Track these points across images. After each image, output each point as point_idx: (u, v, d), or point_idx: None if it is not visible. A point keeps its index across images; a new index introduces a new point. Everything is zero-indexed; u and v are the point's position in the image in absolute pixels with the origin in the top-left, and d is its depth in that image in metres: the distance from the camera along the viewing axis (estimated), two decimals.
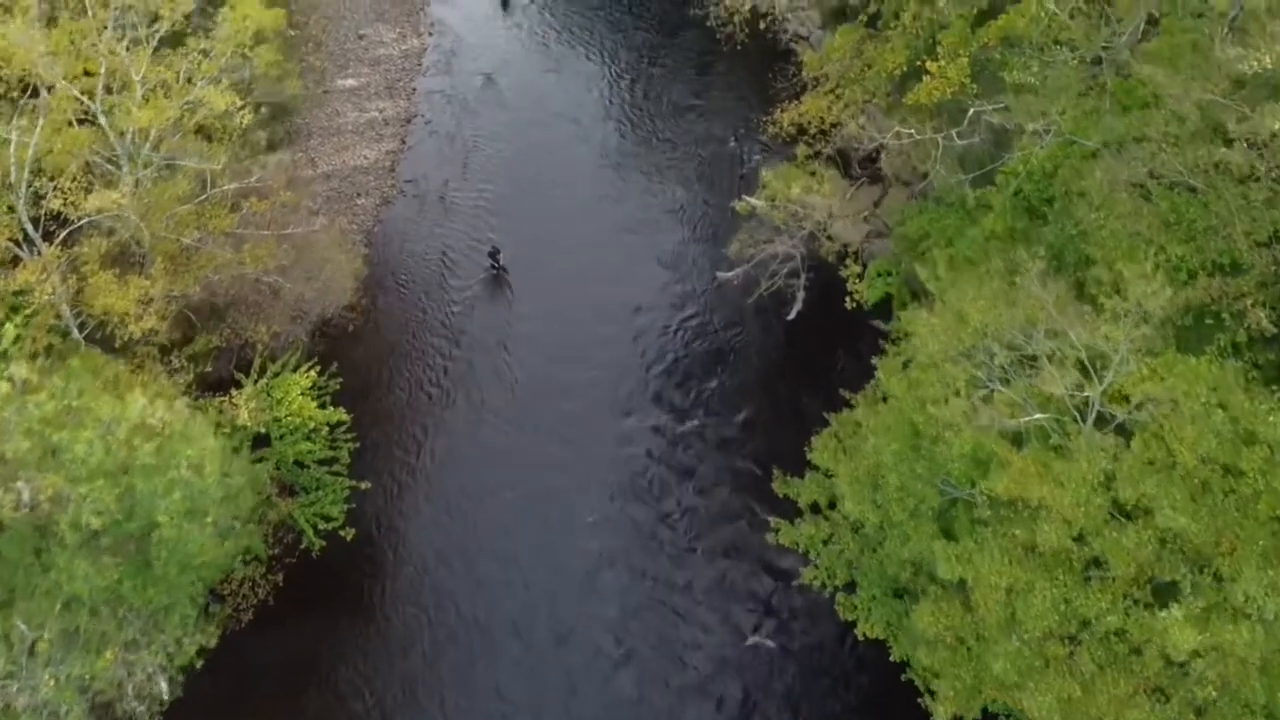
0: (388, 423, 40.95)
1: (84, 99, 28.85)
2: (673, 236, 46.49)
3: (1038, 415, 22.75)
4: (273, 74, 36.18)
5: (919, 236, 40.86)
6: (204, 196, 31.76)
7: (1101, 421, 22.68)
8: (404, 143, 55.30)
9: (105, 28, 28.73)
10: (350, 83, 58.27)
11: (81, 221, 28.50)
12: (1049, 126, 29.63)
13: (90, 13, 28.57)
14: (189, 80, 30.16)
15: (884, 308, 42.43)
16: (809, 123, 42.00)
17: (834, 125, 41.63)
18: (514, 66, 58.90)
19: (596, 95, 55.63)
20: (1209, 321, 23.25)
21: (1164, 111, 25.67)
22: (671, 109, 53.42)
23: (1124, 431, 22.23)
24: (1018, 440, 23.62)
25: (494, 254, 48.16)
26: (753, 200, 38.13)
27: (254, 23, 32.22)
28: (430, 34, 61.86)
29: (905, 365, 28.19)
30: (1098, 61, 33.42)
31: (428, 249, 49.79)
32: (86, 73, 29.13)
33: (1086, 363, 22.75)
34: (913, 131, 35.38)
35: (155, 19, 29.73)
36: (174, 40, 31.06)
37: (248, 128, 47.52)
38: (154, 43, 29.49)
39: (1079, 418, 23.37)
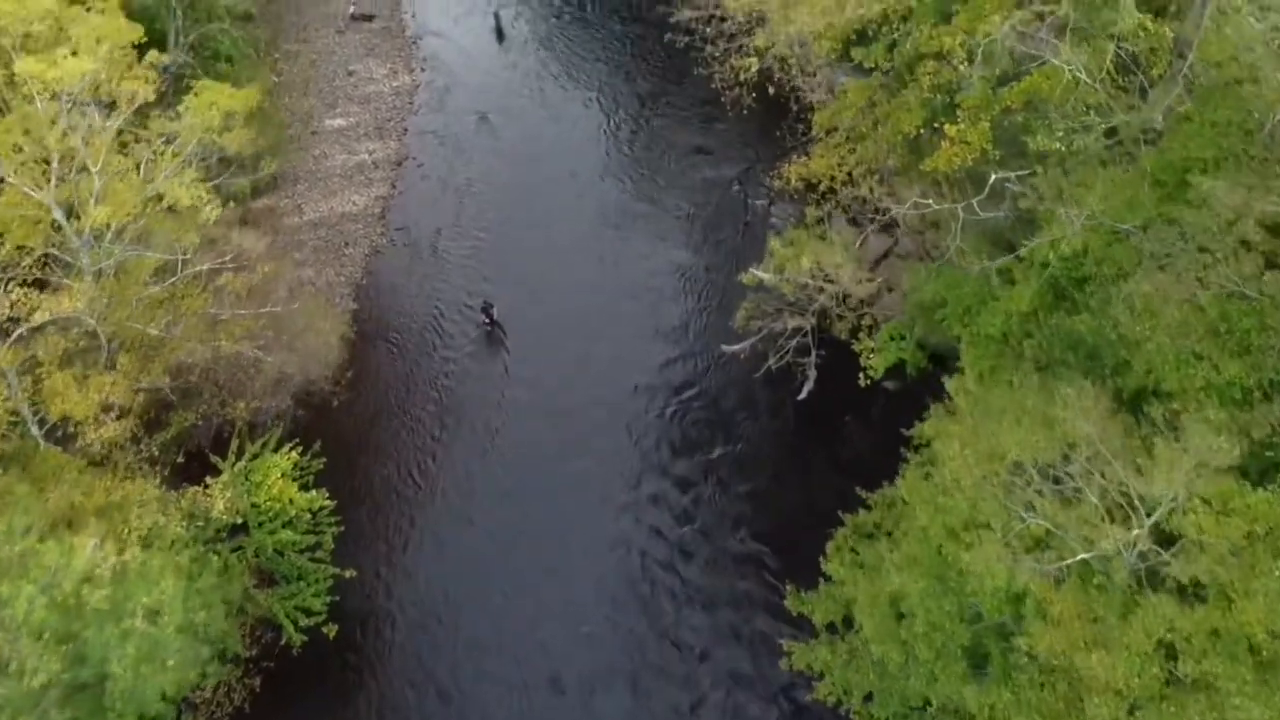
0: (373, 502, 38.74)
1: (36, 193, 26.70)
2: (674, 298, 44.23)
3: (1080, 555, 20.66)
4: (247, 152, 33.89)
5: (935, 303, 38.68)
6: (175, 279, 29.61)
7: (1152, 572, 20.62)
8: (394, 187, 53.10)
9: (55, 120, 26.58)
10: (339, 122, 56.09)
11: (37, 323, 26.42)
12: (1081, 214, 27.49)
13: (39, 103, 26.39)
14: (151, 171, 28.02)
15: (896, 369, 40.45)
16: (818, 180, 39.84)
17: (844, 184, 39.47)
18: (510, 106, 56.64)
19: (595, 139, 53.40)
20: (1269, 454, 21.16)
21: (1213, 216, 23.56)
22: (673, 156, 51.17)
23: (1180, 589, 20.14)
24: (1057, 576, 21.57)
25: (487, 310, 46.01)
26: (760, 273, 35.97)
27: (222, 108, 30.02)
28: (423, 70, 59.66)
29: (928, 476, 26.04)
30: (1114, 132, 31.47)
31: (418, 303, 47.60)
32: (44, 161, 26.95)
33: (1134, 496, 20.69)
34: (930, 202, 33.22)
35: (112, 107, 27.59)
36: (139, 121, 28.91)
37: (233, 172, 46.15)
38: (112, 131, 27.30)
39: (1124, 551, 21.31)
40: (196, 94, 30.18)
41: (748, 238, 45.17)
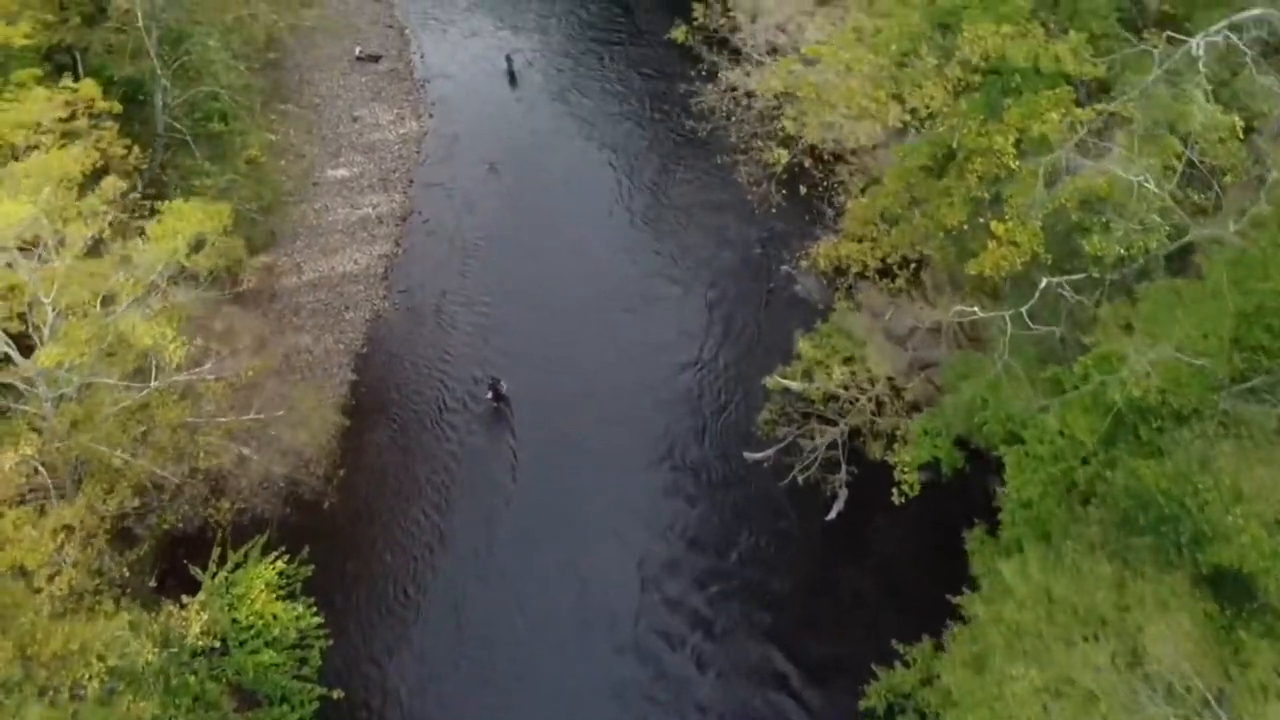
0: (366, 612, 35.87)
1: None
2: (693, 389, 41.14)
3: None
4: (222, 264, 31.14)
5: (974, 404, 35.92)
6: (146, 389, 26.89)
7: None
8: (398, 245, 50.47)
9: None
10: (342, 173, 53.50)
11: None
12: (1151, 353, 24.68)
13: None
14: (110, 303, 25.38)
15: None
16: (847, 264, 37.03)
17: (880, 272, 36.70)
18: (521, 158, 53.93)
19: (610, 202, 50.59)
20: None
21: None
22: (693, 226, 48.12)
23: None
24: None
25: (494, 385, 43.35)
26: (786, 381, 33.22)
27: (189, 232, 27.34)
28: (430, 115, 57.04)
29: (978, 669, 23.25)
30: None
31: (420, 376, 44.92)
32: None
33: None
34: (975, 309, 30.40)
35: (63, 241, 24.92)
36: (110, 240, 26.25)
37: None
38: (65, 260, 24.62)
39: None
40: (161, 219, 27.49)
41: (772, 323, 42.31)
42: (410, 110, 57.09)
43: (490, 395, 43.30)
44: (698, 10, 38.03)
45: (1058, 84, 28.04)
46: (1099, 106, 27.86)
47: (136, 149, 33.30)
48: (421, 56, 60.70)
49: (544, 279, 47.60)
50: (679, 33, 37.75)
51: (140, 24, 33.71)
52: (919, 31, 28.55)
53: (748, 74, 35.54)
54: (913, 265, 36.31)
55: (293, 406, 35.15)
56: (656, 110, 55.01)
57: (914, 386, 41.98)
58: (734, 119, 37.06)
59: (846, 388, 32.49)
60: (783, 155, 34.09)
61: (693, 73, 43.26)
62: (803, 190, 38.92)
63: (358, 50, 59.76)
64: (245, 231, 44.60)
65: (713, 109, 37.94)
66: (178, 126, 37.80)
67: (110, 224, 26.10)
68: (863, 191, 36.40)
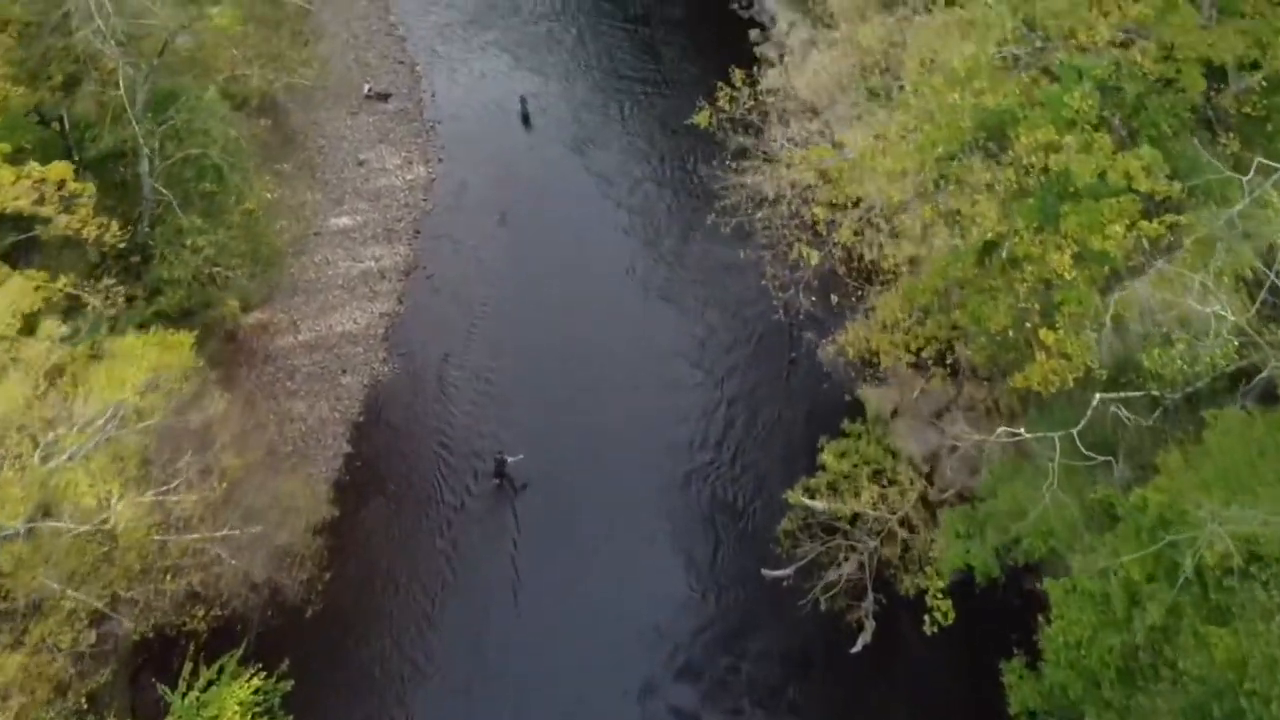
0: None
1: None
2: (710, 484, 38.29)
3: None
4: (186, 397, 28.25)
5: (1011, 513, 33.12)
6: (99, 524, 24.25)
7: None
8: (401, 302, 47.87)
9: None
10: (345, 221, 50.95)
11: None
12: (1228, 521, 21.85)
13: None
14: (46, 460, 22.86)
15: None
16: (876, 356, 34.27)
17: (912, 364, 33.96)
18: (533, 209, 51.24)
19: (627, 263, 47.63)
20: None
21: None
22: (716, 293, 45.07)
23: None
24: None
25: (499, 463, 40.76)
26: (809, 500, 30.53)
27: (139, 379, 24.63)
28: (439, 160, 54.39)
29: None
30: None
31: (419, 449, 42.35)
32: None
33: None
34: (1022, 431, 27.60)
35: None
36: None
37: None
38: None
39: None
40: (110, 360, 24.86)
41: (795, 410, 39.61)
42: (419, 154, 54.48)
43: (494, 472, 40.77)
44: (723, 93, 35.06)
45: (1122, 192, 25.22)
46: (1169, 219, 25.02)
47: (115, 225, 30.92)
48: (432, 95, 58.03)
49: (553, 347, 44.93)
50: (701, 117, 34.89)
51: (122, 88, 31.22)
52: (967, 137, 25.76)
53: (784, 166, 32.59)
54: (949, 362, 33.54)
55: (278, 501, 32.64)
56: (680, 171, 51.73)
57: (946, 476, 39.46)
58: (761, 210, 34.06)
59: (875, 507, 29.74)
60: (813, 255, 31.25)
61: (722, 135, 40.28)
62: (834, 299, 35.74)
63: (367, 88, 57.22)
64: (239, 289, 42.77)
65: (736, 205, 34.97)
66: (164, 191, 35.29)
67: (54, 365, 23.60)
68: (895, 280, 33.55)
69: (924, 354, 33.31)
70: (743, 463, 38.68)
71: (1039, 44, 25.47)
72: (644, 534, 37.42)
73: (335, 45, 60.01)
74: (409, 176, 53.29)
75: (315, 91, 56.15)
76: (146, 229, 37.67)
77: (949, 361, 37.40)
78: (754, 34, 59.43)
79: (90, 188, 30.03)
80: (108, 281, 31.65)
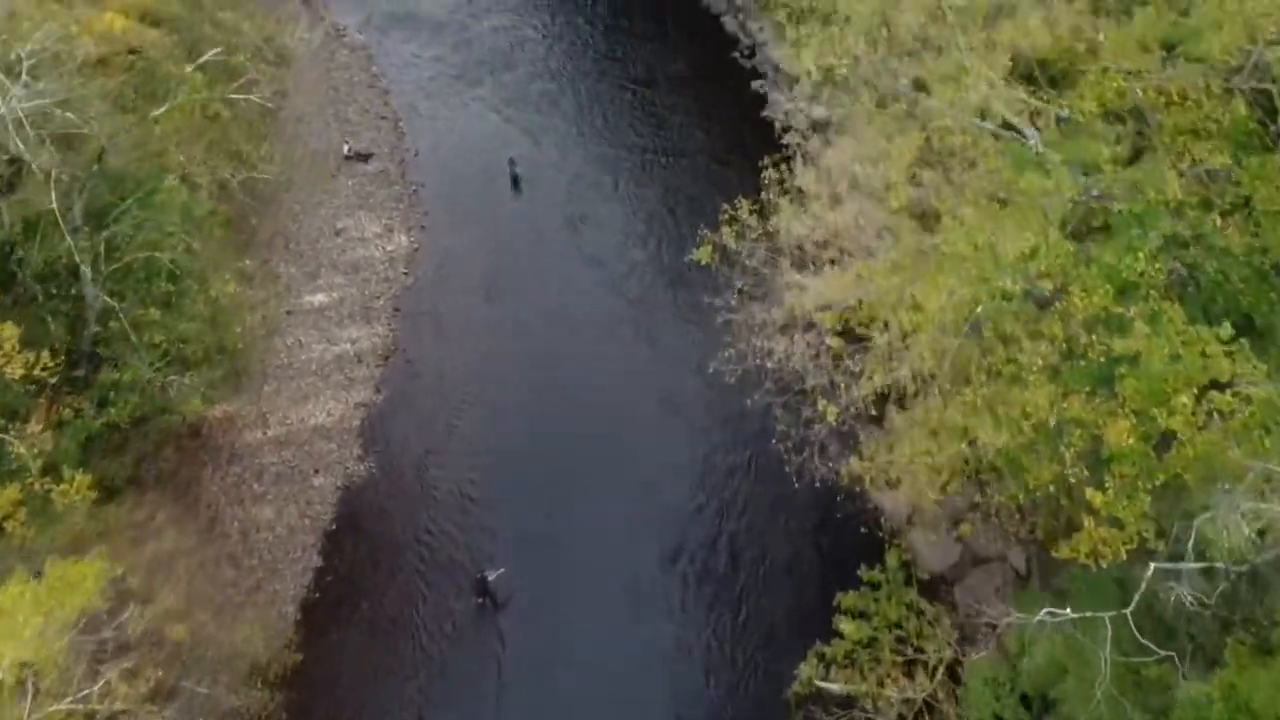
0: None
1: None
2: (705, 624, 35.09)
3: None
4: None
5: (1051, 670, 29.90)
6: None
7: None
8: (378, 391, 44.49)
9: None
10: (320, 299, 47.59)
11: None
12: None
13: None
14: None
15: None
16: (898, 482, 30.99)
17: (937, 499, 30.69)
18: (522, 286, 47.80)
19: (624, 357, 43.88)
20: None
21: None
22: (722, 406, 40.12)
23: None
24: None
25: (482, 581, 37.56)
26: (826, 684, 27.36)
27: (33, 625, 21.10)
28: (422, 228, 51.03)
29: None
30: None
31: (396, 562, 39.01)
32: None
33: None
34: (1068, 610, 24.44)
35: None
36: None
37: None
38: None
39: None
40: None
41: (805, 523, 36.12)
42: (400, 222, 51.10)
43: (476, 592, 37.55)
44: (729, 225, 31.38)
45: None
46: (1245, 391, 21.83)
47: (46, 355, 27.72)
48: (416, 155, 54.64)
49: (540, 445, 41.54)
50: (702, 253, 31.38)
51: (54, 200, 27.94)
52: (1007, 290, 22.52)
53: (795, 297, 29.24)
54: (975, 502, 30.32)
55: (230, 661, 29.39)
56: (681, 259, 47.25)
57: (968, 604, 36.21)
58: (767, 339, 30.60)
59: (899, 687, 26.51)
60: (830, 410, 27.94)
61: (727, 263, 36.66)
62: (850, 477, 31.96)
63: (346, 148, 53.82)
64: (204, 383, 39.52)
65: (743, 353, 31.40)
66: (109, 300, 31.97)
67: None
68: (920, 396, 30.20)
69: (950, 488, 30.06)
70: (748, 603, 35.17)
71: (1095, 192, 22.31)
72: (637, 674, 34.14)
73: (314, 99, 56.93)
74: (389, 247, 49.95)
75: (295, 144, 53.43)
76: (93, 333, 34.41)
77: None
78: (756, 85, 56.45)
79: (11, 330, 26.75)
80: (33, 428, 28.27)
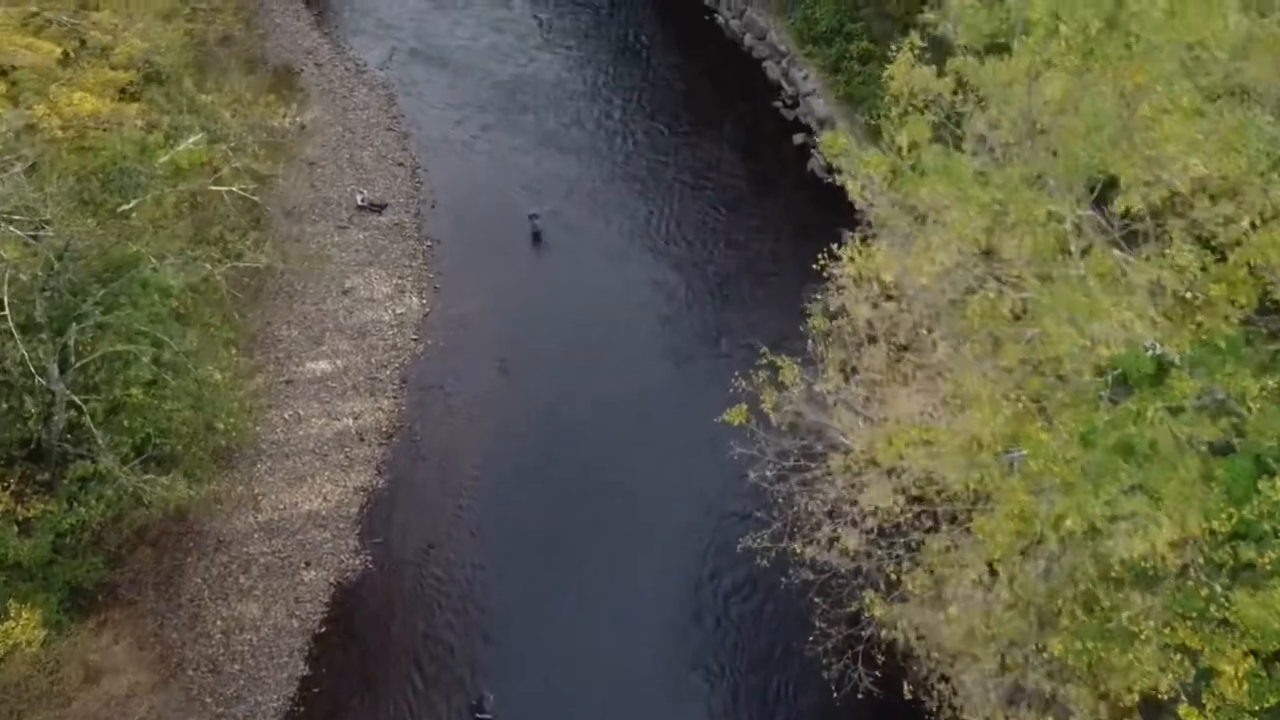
0: None
1: None
2: None
3: None
4: None
5: None
6: None
7: None
8: (379, 474, 41.13)
9: None
10: (323, 366, 44.36)
11: None
12: None
13: None
14: None
15: None
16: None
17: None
18: (538, 356, 44.37)
19: (645, 440, 40.32)
20: None
21: None
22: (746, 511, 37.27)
23: None
24: None
25: (480, 703, 34.28)
26: None
27: None
28: (435, 288, 47.69)
29: None
30: None
31: (389, 675, 35.67)
32: None
33: None
34: None
35: None
36: None
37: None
38: None
39: None
40: None
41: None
42: (412, 281, 47.79)
43: (472, 716, 34.25)
44: (767, 394, 27.09)
45: None
46: None
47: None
48: (432, 206, 51.31)
49: (553, 546, 38.08)
50: (734, 415, 27.17)
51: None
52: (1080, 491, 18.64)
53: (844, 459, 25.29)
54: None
55: None
56: (718, 350, 43.77)
57: None
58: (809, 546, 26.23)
59: None
60: (877, 604, 23.97)
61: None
62: (908, 690, 27.14)
63: (359, 197, 50.61)
64: (192, 462, 36.50)
65: (780, 533, 27.28)
66: (75, 400, 28.84)
67: None
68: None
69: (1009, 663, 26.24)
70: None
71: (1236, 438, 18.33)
72: None
73: (329, 140, 53.86)
74: (399, 310, 46.66)
75: (306, 190, 50.32)
76: (62, 427, 31.30)
77: None
78: (798, 139, 52.98)
79: None
80: None
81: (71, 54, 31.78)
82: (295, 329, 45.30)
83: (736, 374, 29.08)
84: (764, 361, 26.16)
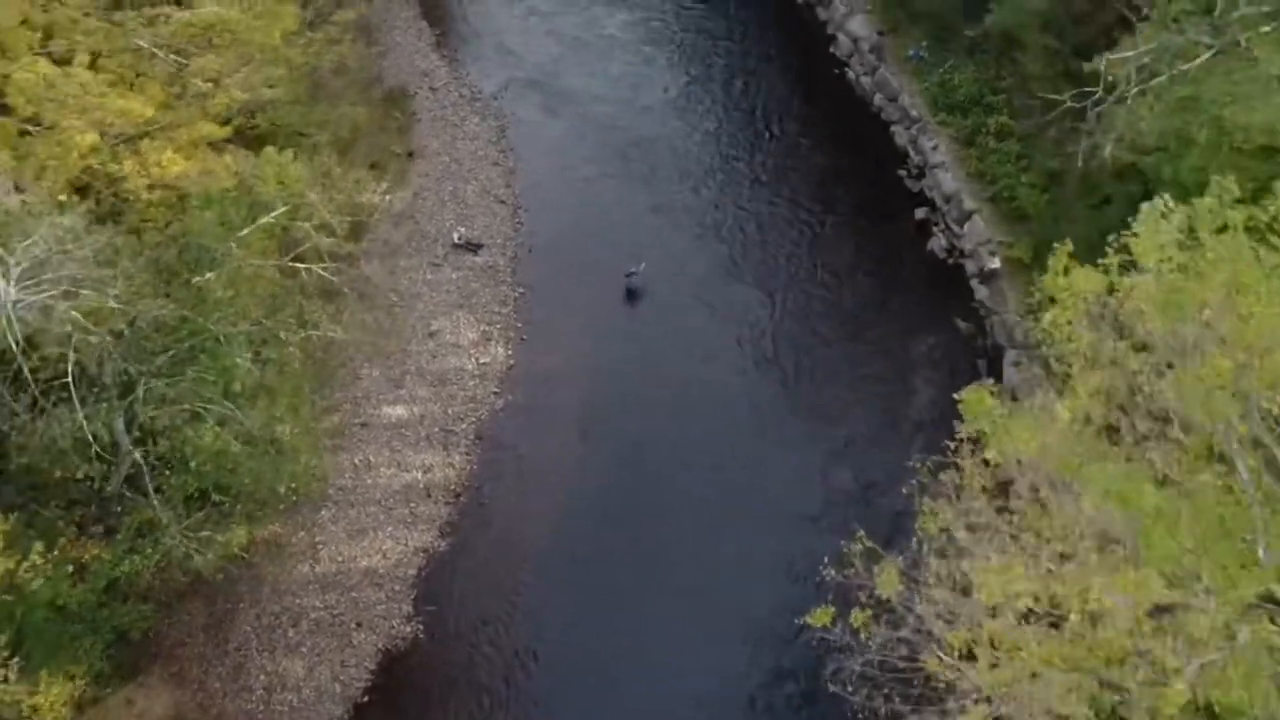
0: None
1: None
2: None
3: None
4: None
5: None
6: None
7: None
8: (442, 535, 39.59)
9: None
10: (399, 412, 43.04)
11: None
12: None
13: None
14: None
15: None
16: None
17: None
18: (622, 420, 42.23)
19: (730, 531, 38.03)
20: None
21: None
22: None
23: None
24: None
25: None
26: None
27: None
28: (522, 339, 45.96)
29: None
30: None
31: None
32: None
33: None
34: None
35: None
36: None
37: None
38: None
39: None
40: None
41: None
42: (499, 330, 46.19)
43: None
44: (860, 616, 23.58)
45: None
46: None
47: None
48: (529, 250, 49.62)
49: (615, 637, 36.15)
50: (819, 615, 23.64)
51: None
52: None
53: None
54: None
55: None
56: (818, 424, 41.93)
57: None
58: None
59: None
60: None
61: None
62: None
63: (456, 235, 49.24)
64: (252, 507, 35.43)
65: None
66: (138, 459, 27.87)
67: None
68: None
69: None
70: None
71: None
72: None
73: (434, 170, 52.62)
74: (483, 360, 45.12)
75: (403, 223, 49.20)
76: (124, 475, 30.43)
77: None
78: (920, 213, 50.18)
79: None
80: None
81: (170, 102, 30.94)
82: (377, 368, 43.98)
83: (826, 561, 25.95)
84: (859, 546, 23.40)
